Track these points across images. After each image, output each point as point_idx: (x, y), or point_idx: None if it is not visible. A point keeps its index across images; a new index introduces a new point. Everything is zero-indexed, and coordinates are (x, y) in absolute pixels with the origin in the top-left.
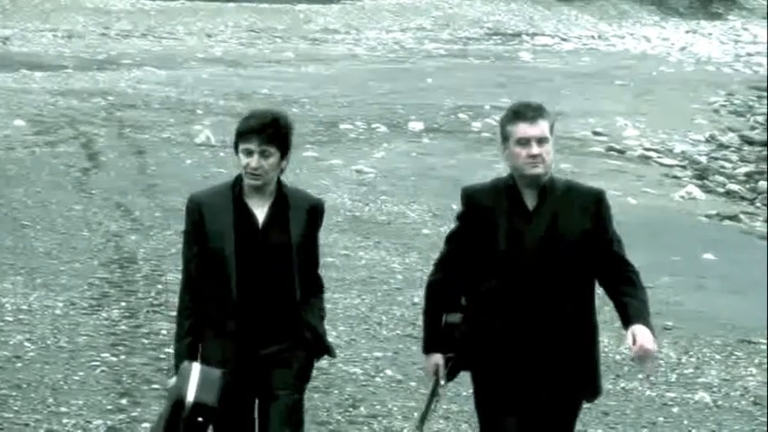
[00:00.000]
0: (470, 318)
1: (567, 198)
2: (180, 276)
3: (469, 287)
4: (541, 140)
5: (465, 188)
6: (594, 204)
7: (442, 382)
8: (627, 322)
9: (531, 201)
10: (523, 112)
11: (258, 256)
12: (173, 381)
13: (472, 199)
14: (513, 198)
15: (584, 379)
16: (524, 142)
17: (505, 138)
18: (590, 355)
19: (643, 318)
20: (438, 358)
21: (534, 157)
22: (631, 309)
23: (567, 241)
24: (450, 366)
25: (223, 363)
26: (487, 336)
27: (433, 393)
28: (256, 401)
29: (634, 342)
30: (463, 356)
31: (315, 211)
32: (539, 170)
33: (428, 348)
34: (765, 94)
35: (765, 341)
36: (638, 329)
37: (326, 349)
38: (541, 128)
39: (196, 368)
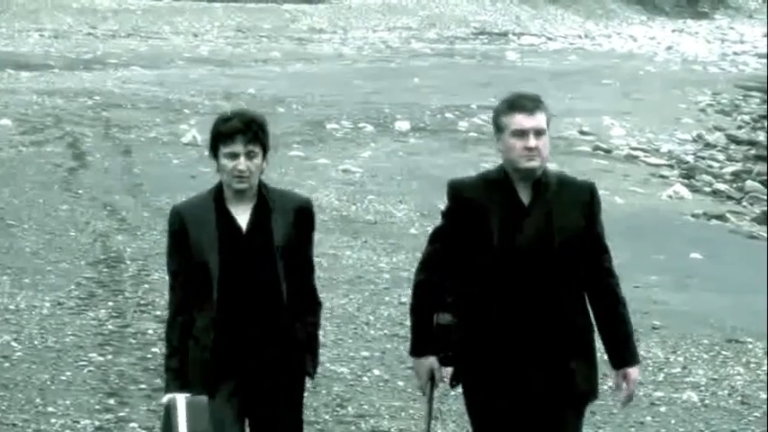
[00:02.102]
0: (464, 317)
1: (560, 192)
2: (167, 276)
3: (459, 285)
4: (539, 133)
5: (452, 182)
6: (588, 198)
7: (439, 386)
8: (618, 361)
9: (525, 195)
10: (521, 102)
11: (243, 262)
12: (165, 399)
13: (460, 193)
14: (507, 192)
15: (582, 375)
16: (521, 134)
17: (500, 129)
18: (588, 353)
19: (631, 354)
20: (432, 361)
21: (531, 149)
22: (621, 344)
23: (563, 236)
24: (453, 371)
25: (204, 382)
26: (483, 334)
27: (432, 398)
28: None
29: (626, 383)
30: (460, 357)
31: (302, 213)
32: (535, 163)
33: (419, 351)
34: (753, 93)
35: (752, 340)
36: (633, 373)
37: (307, 371)
38: (539, 120)
39: (181, 400)
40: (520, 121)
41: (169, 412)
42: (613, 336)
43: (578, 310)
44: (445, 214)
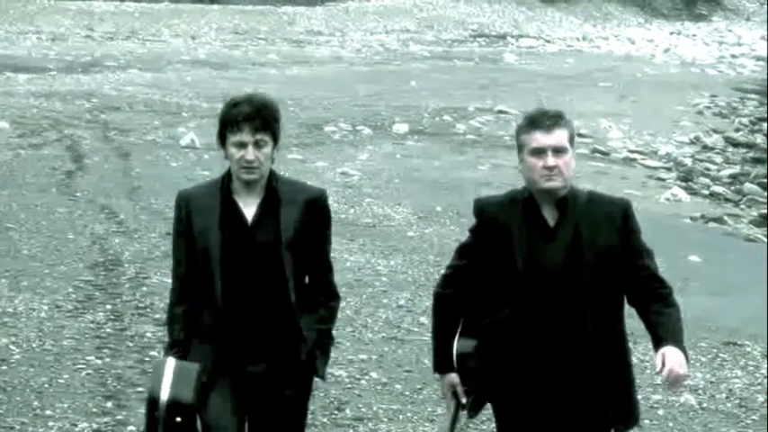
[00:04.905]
0: (486, 346)
1: (590, 211)
2: (165, 279)
3: (483, 309)
4: (559, 151)
5: (478, 200)
6: (621, 216)
7: (463, 400)
8: (657, 343)
9: (551, 216)
10: (539, 119)
11: (246, 257)
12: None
13: (485, 212)
14: (532, 213)
15: (618, 408)
16: (539, 152)
17: (520, 148)
18: (624, 382)
19: (674, 338)
20: (453, 377)
21: (550, 168)
22: (662, 328)
23: (593, 259)
24: (474, 398)
25: (206, 373)
26: (506, 366)
27: (456, 418)
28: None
29: (663, 364)
30: (482, 389)
31: (313, 206)
32: (555, 183)
33: (441, 368)
34: (751, 95)
35: (750, 343)
36: (669, 351)
37: (315, 372)
38: (558, 137)
39: (170, 363)
40: (538, 138)
41: (156, 372)
42: (653, 327)
43: (613, 336)
44: (471, 231)
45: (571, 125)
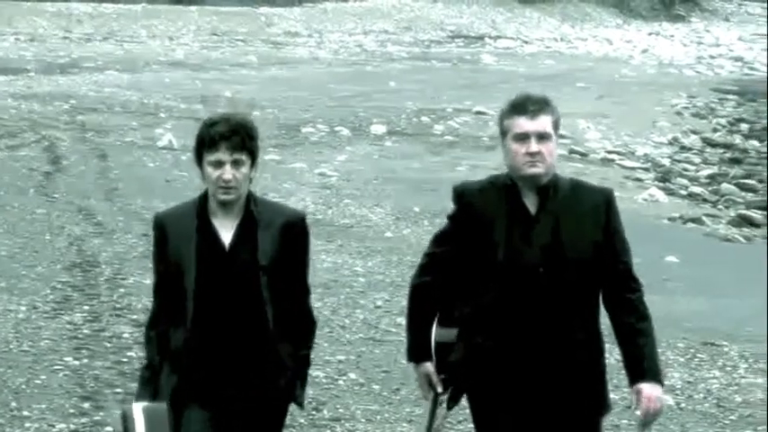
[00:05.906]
0: (465, 336)
1: (572, 200)
2: (142, 280)
3: (462, 297)
4: (542, 137)
5: (457, 186)
6: (604, 207)
7: (440, 389)
8: (633, 375)
9: (532, 204)
10: (523, 105)
11: (223, 280)
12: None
13: (466, 198)
14: (513, 200)
15: (592, 397)
16: (522, 138)
17: (503, 133)
18: (599, 371)
19: (651, 369)
20: (429, 367)
21: (533, 155)
22: (637, 357)
23: (574, 248)
24: (452, 390)
25: (173, 405)
26: (486, 357)
27: (434, 408)
28: None
29: (638, 400)
30: (460, 379)
31: (290, 229)
32: (537, 170)
33: (417, 358)
34: (729, 96)
35: (727, 343)
36: (646, 390)
37: (294, 399)
38: (542, 123)
39: (138, 410)
40: (521, 124)
41: (126, 423)
42: (628, 351)
43: (591, 330)
44: (450, 218)
45: (556, 111)
